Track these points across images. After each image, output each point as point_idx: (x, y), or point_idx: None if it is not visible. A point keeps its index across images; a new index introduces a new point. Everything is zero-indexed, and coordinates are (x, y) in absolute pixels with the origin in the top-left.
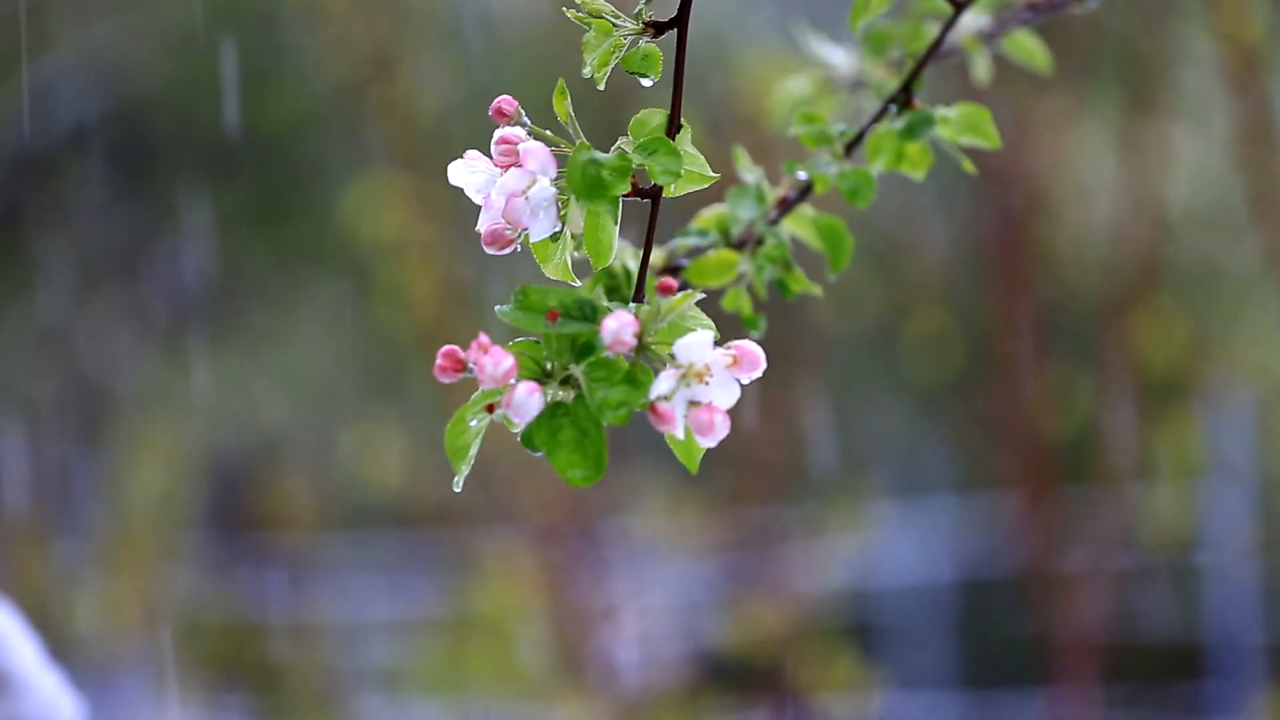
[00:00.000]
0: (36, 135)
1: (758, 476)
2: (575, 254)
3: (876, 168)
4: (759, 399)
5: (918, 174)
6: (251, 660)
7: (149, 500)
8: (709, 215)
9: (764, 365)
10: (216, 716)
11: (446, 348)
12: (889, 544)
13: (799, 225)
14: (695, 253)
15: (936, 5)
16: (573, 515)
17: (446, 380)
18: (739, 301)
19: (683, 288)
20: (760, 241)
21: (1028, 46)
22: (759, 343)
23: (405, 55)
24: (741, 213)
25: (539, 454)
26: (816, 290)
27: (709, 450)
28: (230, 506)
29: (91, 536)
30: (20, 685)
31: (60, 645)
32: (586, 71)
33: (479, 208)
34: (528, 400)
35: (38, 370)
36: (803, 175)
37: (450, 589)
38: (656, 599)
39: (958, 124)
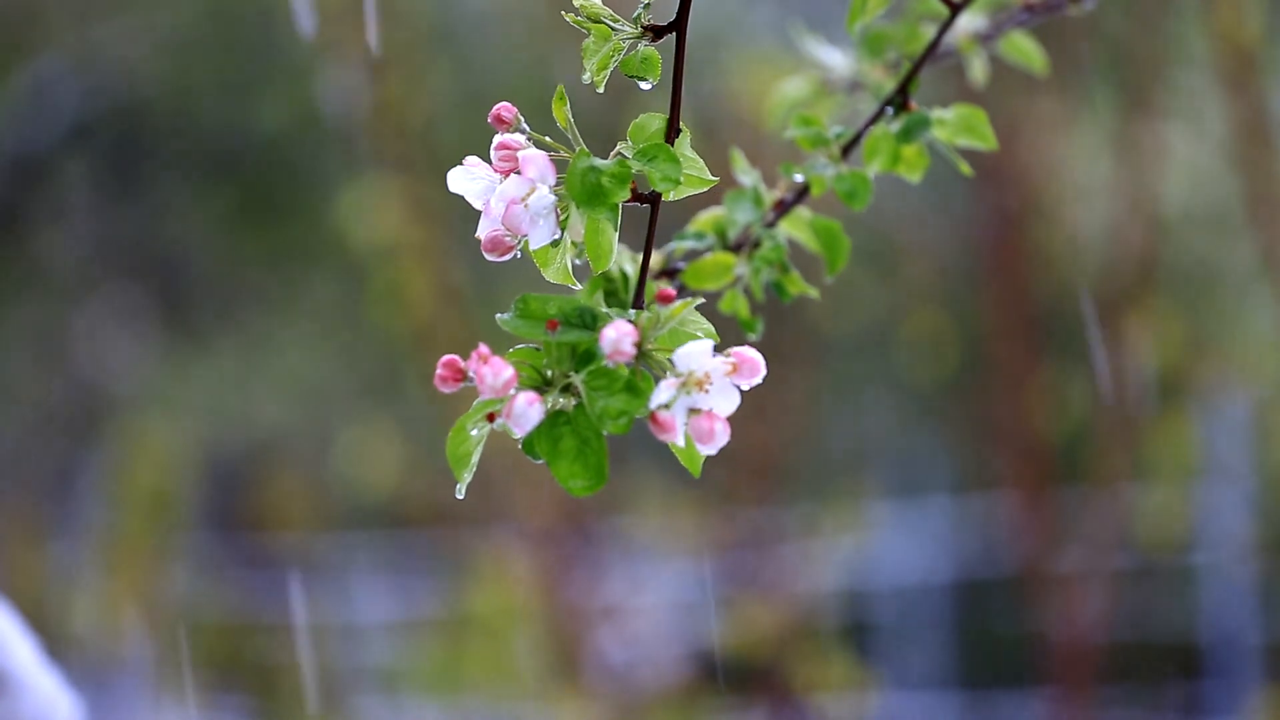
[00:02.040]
0: (34, 136)
1: (754, 477)
2: (577, 260)
3: (873, 170)
4: (755, 400)
5: (914, 176)
6: (248, 660)
7: (146, 500)
8: (706, 218)
9: (764, 371)
10: (213, 716)
11: (446, 358)
12: (885, 544)
13: (796, 227)
14: (692, 256)
15: (933, 7)
16: (568, 516)
17: (447, 390)
18: (736, 304)
19: (680, 291)
20: (757, 244)
21: (1024, 48)
22: (756, 345)
23: (398, 58)
24: (738, 215)
25: (540, 462)
26: (813, 292)
27: None
28: (227, 507)
29: (88, 536)
30: (18, 685)
31: (57, 645)
32: (586, 78)
33: (475, 210)
34: (528, 410)
35: (35, 369)
36: (799, 178)
37: (447, 589)
38: (652, 599)
39: (954, 125)
